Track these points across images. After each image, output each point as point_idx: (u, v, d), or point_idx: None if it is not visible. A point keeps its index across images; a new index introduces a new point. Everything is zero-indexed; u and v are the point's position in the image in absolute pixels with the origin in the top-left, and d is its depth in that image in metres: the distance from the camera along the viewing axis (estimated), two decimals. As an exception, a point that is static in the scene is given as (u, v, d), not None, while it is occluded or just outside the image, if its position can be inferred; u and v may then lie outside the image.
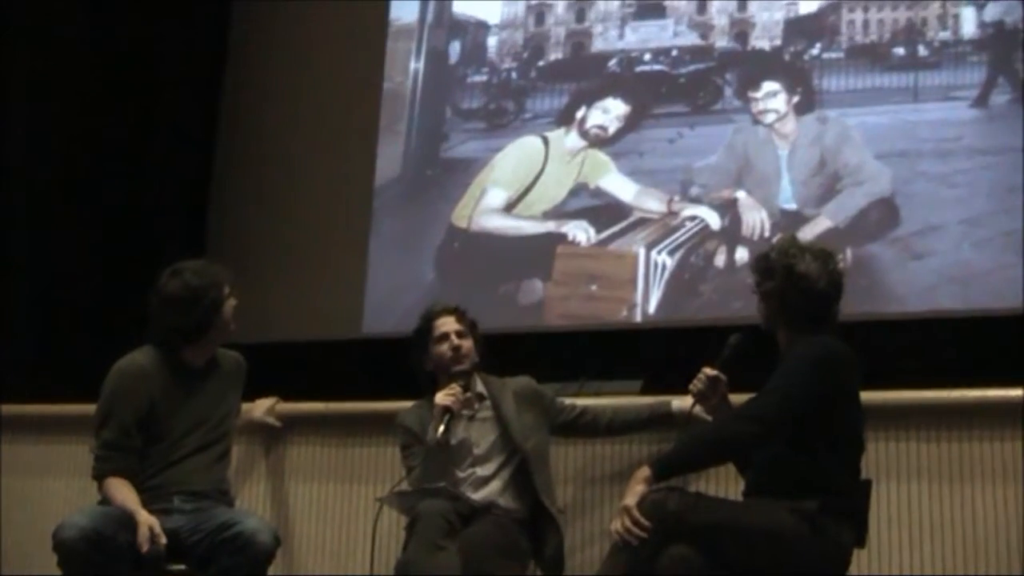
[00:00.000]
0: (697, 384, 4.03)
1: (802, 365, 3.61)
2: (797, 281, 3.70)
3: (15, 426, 5.53)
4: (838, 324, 3.77)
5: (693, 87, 6.13)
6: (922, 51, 5.74)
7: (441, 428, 4.10)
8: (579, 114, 6.30)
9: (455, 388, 4.18)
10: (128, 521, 3.91)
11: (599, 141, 6.22)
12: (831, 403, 3.59)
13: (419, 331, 4.43)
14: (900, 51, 5.79)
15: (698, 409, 4.06)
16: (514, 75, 6.55)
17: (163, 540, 3.90)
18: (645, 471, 3.55)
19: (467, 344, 4.38)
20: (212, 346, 4.31)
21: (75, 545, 3.85)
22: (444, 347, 4.36)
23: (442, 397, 4.15)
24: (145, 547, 3.85)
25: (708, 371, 4.00)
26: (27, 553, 5.23)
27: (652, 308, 5.86)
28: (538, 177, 6.28)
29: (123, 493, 4.03)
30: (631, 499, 3.48)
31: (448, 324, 4.40)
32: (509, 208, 6.30)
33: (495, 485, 4.25)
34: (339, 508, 4.95)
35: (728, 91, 6.06)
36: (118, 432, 4.12)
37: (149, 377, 4.18)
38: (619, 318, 5.91)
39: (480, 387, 4.38)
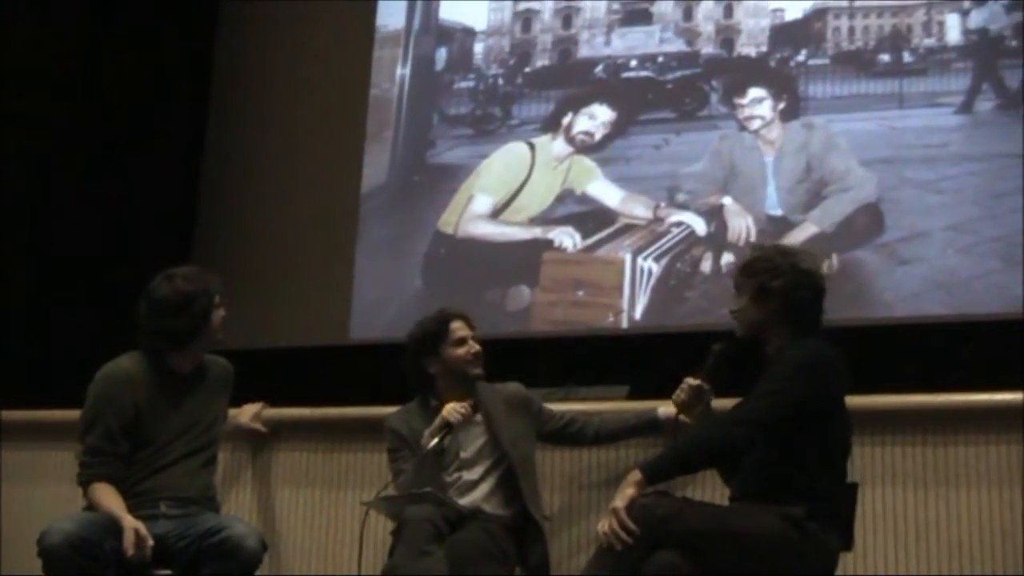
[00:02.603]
0: (680, 395, 4.03)
1: (792, 369, 3.60)
2: (805, 278, 3.71)
3: (1, 432, 5.51)
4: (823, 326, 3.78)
5: (679, 93, 6.15)
6: (907, 58, 5.77)
7: (435, 440, 4.10)
8: (565, 120, 6.32)
9: (466, 407, 4.17)
10: (114, 526, 3.90)
11: (585, 147, 6.23)
12: (820, 408, 3.59)
13: (432, 333, 4.37)
14: (885, 58, 5.82)
15: (683, 418, 4.05)
16: (501, 81, 6.57)
17: (150, 543, 3.89)
18: (636, 475, 3.54)
19: (481, 350, 4.38)
20: (199, 353, 4.30)
21: (60, 551, 3.83)
22: (462, 351, 4.33)
23: (450, 411, 4.14)
24: (131, 551, 3.84)
25: (691, 381, 4.00)
26: (13, 559, 5.21)
27: (638, 314, 5.88)
28: (525, 183, 6.29)
29: (109, 499, 4.02)
30: (620, 502, 3.48)
31: (464, 329, 4.38)
32: (496, 214, 6.31)
33: (481, 490, 4.24)
34: (326, 513, 4.94)
35: (714, 97, 6.08)
36: (103, 438, 4.11)
37: (134, 382, 4.17)
38: (606, 324, 5.93)
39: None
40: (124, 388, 4.15)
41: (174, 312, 4.16)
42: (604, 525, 3.47)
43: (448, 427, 4.12)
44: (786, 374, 3.59)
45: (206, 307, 4.21)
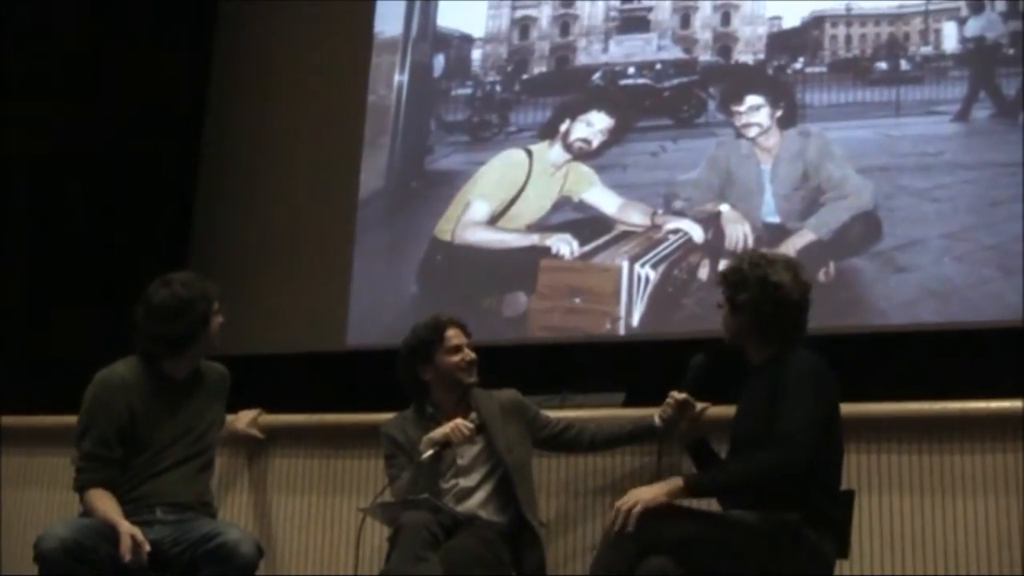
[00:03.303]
0: (666, 410, 4.04)
1: (808, 383, 3.59)
2: (772, 292, 3.71)
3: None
4: (806, 334, 3.77)
5: (677, 101, 6.16)
6: (904, 66, 5.78)
7: (430, 452, 4.09)
8: (563, 127, 6.32)
9: (471, 429, 4.15)
10: (109, 532, 3.90)
11: (583, 154, 6.24)
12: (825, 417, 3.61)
13: (426, 340, 4.36)
14: (882, 66, 5.83)
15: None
16: (498, 88, 6.57)
17: (147, 548, 3.89)
18: (678, 483, 3.52)
19: (475, 358, 4.37)
20: (195, 359, 4.30)
21: (55, 556, 3.83)
22: (457, 358, 4.32)
23: (454, 429, 4.11)
24: (127, 557, 3.84)
25: (676, 395, 4.01)
26: (11, 564, 5.21)
27: (635, 321, 5.87)
28: (522, 190, 6.30)
29: (104, 504, 4.02)
30: (648, 495, 3.47)
31: (459, 337, 4.37)
32: (493, 221, 6.31)
33: (478, 497, 4.25)
34: (322, 520, 4.94)
35: (711, 105, 6.08)
36: (98, 443, 4.11)
37: (129, 388, 4.17)
38: (602, 331, 5.92)
39: (473, 415, 4.34)
40: (119, 394, 4.15)
41: (171, 317, 4.17)
42: (621, 503, 3.47)
43: (447, 444, 4.12)
44: (806, 390, 3.56)
45: (203, 313, 4.22)
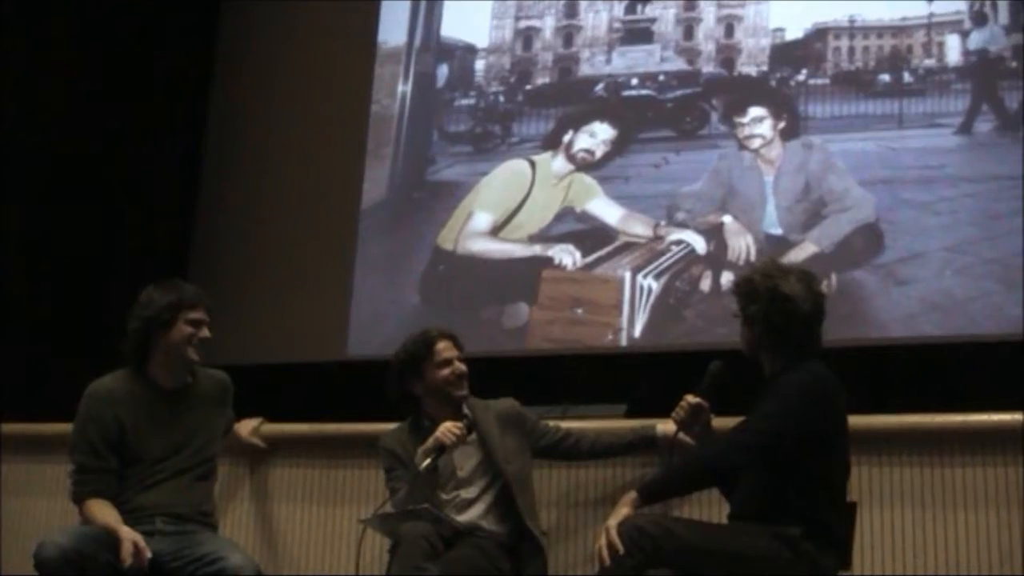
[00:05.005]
0: (679, 412, 4.04)
1: (791, 394, 3.60)
2: (782, 304, 3.69)
3: (1, 444, 5.52)
4: (821, 348, 3.77)
5: (679, 112, 6.16)
6: (907, 78, 5.78)
7: (427, 461, 4.09)
8: (566, 138, 6.32)
9: (461, 428, 4.15)
10: (109, 540, 3.90)
11: (586, 165, 6.24)
12: (819, 431, 3.59)
13: (415, 354, 4.36)
14: (885, 78, 5.83)
15: (681, 436, 4.07)
16: (501, 99, 6.57)
17: (148, 554, 3.88)
18: (632, 495, 3.57)
19: (466, 370, 4.37)
20: (174, 367, 4.26)
21: (55, 564, 3.83)
22: (447, 372, 4.31)
23: (444, 432, 4.10)
24: (128, 561, 3.83)
25: (690, 399, 4.01)
26: (12, 571, 5.21)
27: (637, 332, 5.87)
28: (524, 201, 6.30)
29: (104, 513, 4.02)
30: (613, 520, 3.50)
31: (449, 350, 4.36)
32: (495, 231, 6.31)
33: (478, 508, 4.25)
34: (323, 530, 4.94)
35: (714, 116, 6.08)
36: (89, 455, 4.12)
37: (117, 399, 4.18)
38: (604, 342, 5.92)
39: (465, 410, 4.37)
40: (106, 404, 4.16)
41: (134, 314, 4.20)
42: (599, 540, 3.49)
43: (441, 448, 4.11)
44: (785, 399, 3.60)
45: (162, 317, 4.19)
